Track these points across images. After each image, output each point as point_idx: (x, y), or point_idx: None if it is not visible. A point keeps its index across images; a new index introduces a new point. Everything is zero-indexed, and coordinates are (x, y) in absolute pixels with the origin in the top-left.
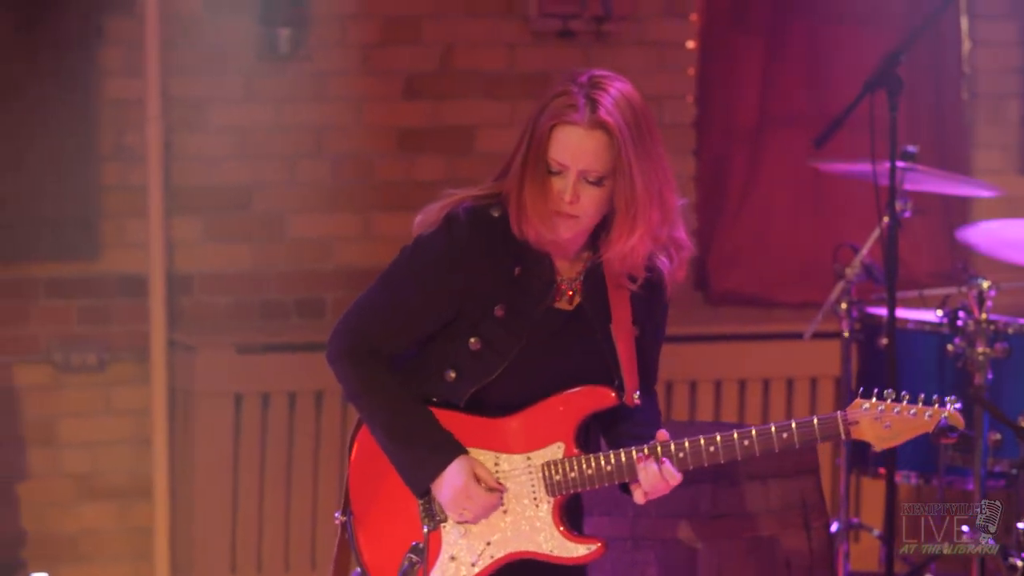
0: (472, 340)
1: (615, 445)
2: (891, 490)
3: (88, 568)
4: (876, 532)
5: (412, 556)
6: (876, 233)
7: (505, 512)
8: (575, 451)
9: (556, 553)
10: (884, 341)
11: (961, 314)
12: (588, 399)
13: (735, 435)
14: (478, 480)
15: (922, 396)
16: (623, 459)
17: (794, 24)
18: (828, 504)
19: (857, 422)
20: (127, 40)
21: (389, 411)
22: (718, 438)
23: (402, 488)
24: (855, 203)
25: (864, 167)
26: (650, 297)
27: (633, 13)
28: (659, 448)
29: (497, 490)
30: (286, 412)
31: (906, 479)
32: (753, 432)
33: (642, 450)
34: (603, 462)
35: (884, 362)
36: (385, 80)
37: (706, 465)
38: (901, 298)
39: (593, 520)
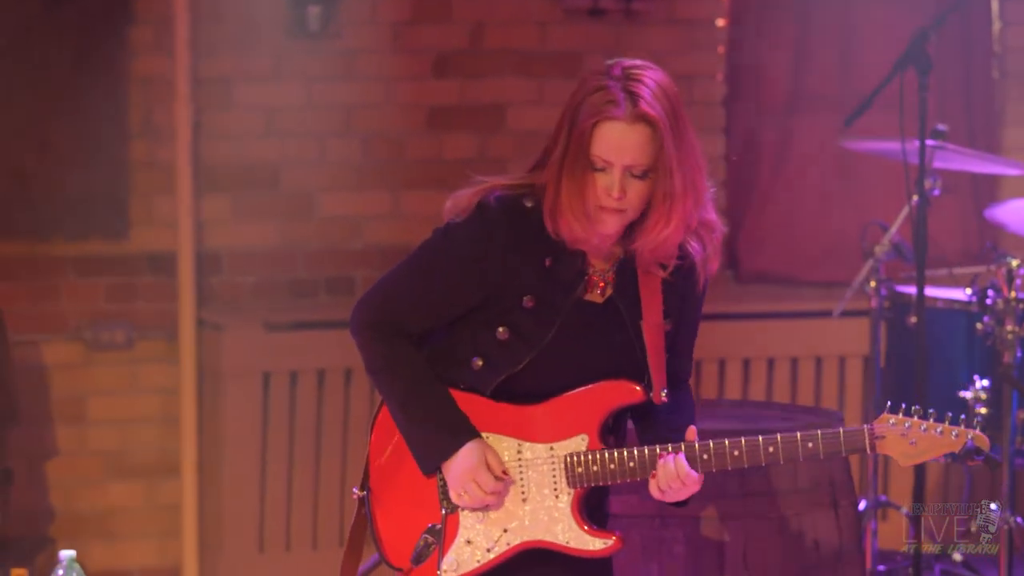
0: (500, 329)
1: (646, 440)
2: (919, 468)
3: (116, 545)
4: (904, 510)
5: (428, 537)
6: (905, 212)
7: (524, 500)
8: (599, 444)
9: (572, 545)
10: (913, 319)
11: (990, 293)
12: (615, 393)
13: (760, 440)
14: (488, 467)
15: (949, 415)
16: (646, 456)
17: (825, 2)
18: (856, 483)
19: (883, 437)
20: (156, 18)
21: (407, 388)
22: (743, 442)
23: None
24: (885, 182)
25: (894, 146)
26: (683, 285)
27: None
28: (683, 448)
29: (503, 480)
30: (315, 390)
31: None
32: (779, 438)
33: (666, 448)
34: (626, 457)
35: (913, 341)
36: (415, 58)
37: (729, 468)
38: (930, 277)
39: (622, 498)
